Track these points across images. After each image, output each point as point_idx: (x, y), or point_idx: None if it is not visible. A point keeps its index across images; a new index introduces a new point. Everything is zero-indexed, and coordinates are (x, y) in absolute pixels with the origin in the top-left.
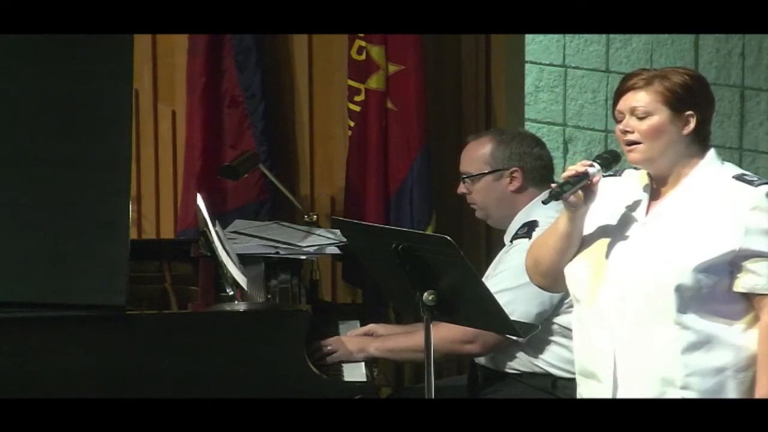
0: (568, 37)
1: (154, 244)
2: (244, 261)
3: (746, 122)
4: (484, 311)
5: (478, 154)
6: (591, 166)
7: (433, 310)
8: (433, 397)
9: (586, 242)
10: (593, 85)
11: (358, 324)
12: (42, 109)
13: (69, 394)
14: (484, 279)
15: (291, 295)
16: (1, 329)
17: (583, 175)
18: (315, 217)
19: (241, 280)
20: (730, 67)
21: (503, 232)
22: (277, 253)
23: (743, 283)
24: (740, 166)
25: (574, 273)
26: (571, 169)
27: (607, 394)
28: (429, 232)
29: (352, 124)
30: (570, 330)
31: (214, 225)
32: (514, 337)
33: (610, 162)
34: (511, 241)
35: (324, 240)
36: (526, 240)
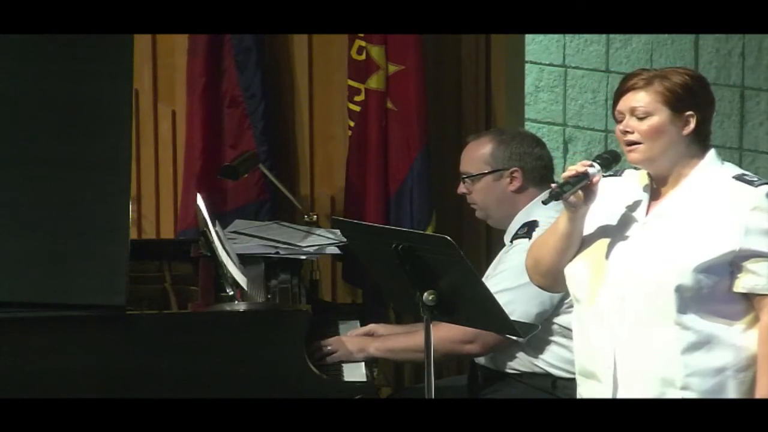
0: (568, 37)
1: (154, 244)
2: (244, 261)
3: (746, 122)
4: (484, 311)
5: (478, 154)
6: (591, 166)
7: (433, 310)
8: (433, 397)
9: (586, 242)
10: (593, 85)
11: (358, 324)
12: (42, 109)
13: (69, 394)
14: (484, 279)
15: (291, 295)
16: (1, 329)
17: (583, 175)
18: (315, 217)
19: (241, 280)
20: (730, 67)
21: (503, 232)
22: (277, 253)
23: (743, 283)
24: (740, 166)
25: (574, 273)
26: (571, 169)
27: (607, 395)
28: (429, 232)
29: (352, 124)
30: (570, 330)
31: (214, 225)
32: (514, 337)
33: (610, 162)
34: (511, 241)
35: (324, 240)
36: (526, 240)
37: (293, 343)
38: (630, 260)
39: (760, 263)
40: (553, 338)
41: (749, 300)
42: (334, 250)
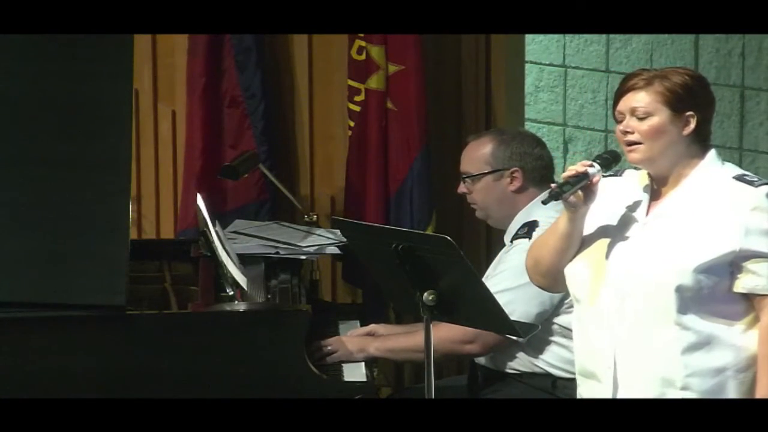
0: (568, 37)
1: (154, 244)
2: (244, 261)
3: (746, 122)
4: (484, 311)
5: (478, 154)
6: (591, 166)
7: (433, 310)
8: (433, 397)
9: (586, 242)
10: (593, 85)
11: (358, 324)
12: (42, 109)
13: (69, 394)
14: (484, 279)
15: (291, 295)
16: (1, 329)
17: (583, 175)
18: (315, 217)
19: (241, 280)
20: (730, 67)
21: (503, 232)
22: (277, 253)
23: (743, 283)
24: (740, 166)
25: (575, 273)
26: (571, 169)
27: (607, 395)
28: (429, 232)
29: (352, 124)
30: (570, 330)
31: (214, 225)
32: (514, 337)
33: (610, 162)
34: (511, 241)
35: (324, 240)
36: (527, 240)
37: (293, 343)
38: (630, 260)
39: (761, 263)
40: (553, 338)
41: (749, 300)
42: (334, 250)
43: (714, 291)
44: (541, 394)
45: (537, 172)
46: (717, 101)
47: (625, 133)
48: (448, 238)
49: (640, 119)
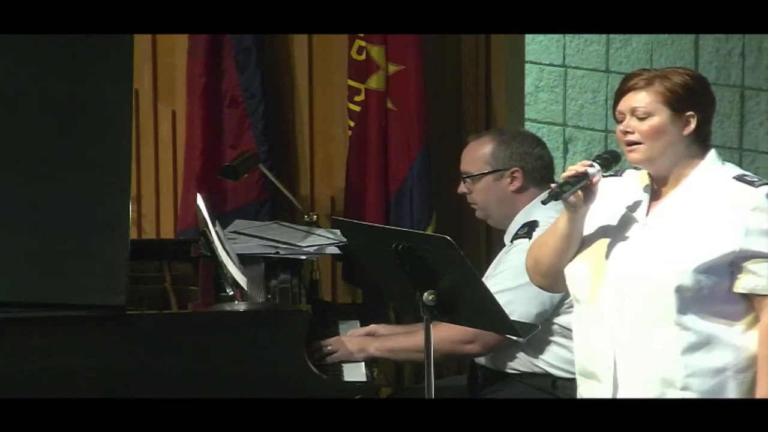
0: (568, 37)
1: (154, 244)
2: (244, 261)
3: (746, 122)
4: (484, 311)
5: (478, 153)
6: (591, 166)
7: (433, 310)
8: (433, 397)
9: (586, 242)
10: (593, 85)
11: (358, 324)
12: (42, 109)
13: (69, 394)
14: (484, 279)
15: (291, 295)
16: (1, 329)
17: (583, 175)
18: (315, 217)
19: (241, 280)
20: (730, 67)
21: (503, 232)
22: (277, 253)
23: (743, 284)
24: (740, 166)
25: (575, 273)
26: (571, 169)
27: (607, 395)
28: (429, 232)
29: (352, 124)
30: (570, 330)
31: (214, 225)
32: (514, 337)
33: (610, 162)
34: (511, 241)
35: (324, 240)
36: (527, 240)
37: (293, 343)
38: (630, 260)
39: (761, 264)
40: (553, 338)
41: (749, 300)
42: (334, 250)
43: (714, 291)
44: (541, 394)
45: (537, 172)
46: (717, 101)
47: (626, 133)
48: (448, 238)
49: (641, 119)
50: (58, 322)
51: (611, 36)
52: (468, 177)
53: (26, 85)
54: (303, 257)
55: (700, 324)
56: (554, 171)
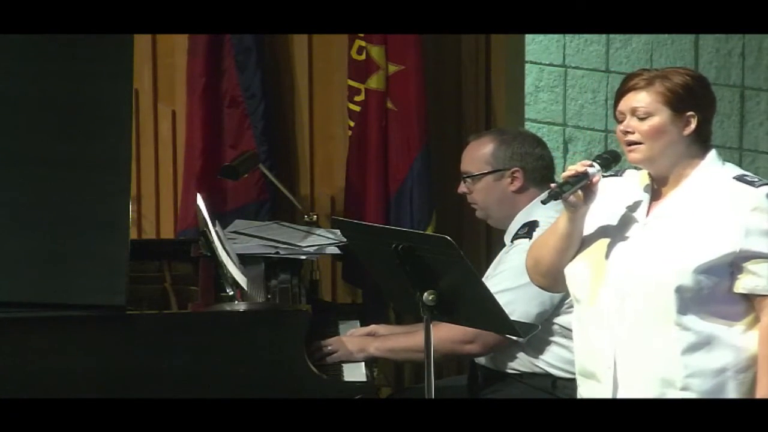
0: (568, 37)
1: (154, 244)
2: (244, 261)
3: (746, 122)
4: (484, 311)
5: (479, 153)
6: (591, 166)
7: (433, 310)
8: (433, 397)
9: (586, 242)
10: (593, 85)
11: (358, 324)
12: (42, 109)
13: (69, 394)
14: (484, 279)
15: (291, 295)
16: (1, 329)
17: (583, 175)
18: (315, 217)
19: (241, 280)
20: (730, 67)
21: (503, 232)
22: (277, 253)
23: (744, 284)
24: (740, 166)
25: (575, 273)
26: (571, 169)
27: (607, 395)
28: (429, 232)
29: (352, 124)
30: (570, 330)
31: (214, 225)
32: (514, 337)
33: (610, 162)
34: (511, 241)
35: (324, 240)
36: (527, 240)
37: (293, 343)
38: (630, 260)
39: (761, 264)
40: (553, 338)
41: (749, 301)
42: (334, 250)
43: (714, 291)
44: (541, 394)
45: (537, 172)
46: (717, 101)
47: (626, 133)
48: (448, 238)
49: (641, 119)
50: (58, 322)
51: (611, 36)
52: (468, 177)
53: (26, 85)
54: (303, 257)
55: (700, 324)
56: (554, 171)
